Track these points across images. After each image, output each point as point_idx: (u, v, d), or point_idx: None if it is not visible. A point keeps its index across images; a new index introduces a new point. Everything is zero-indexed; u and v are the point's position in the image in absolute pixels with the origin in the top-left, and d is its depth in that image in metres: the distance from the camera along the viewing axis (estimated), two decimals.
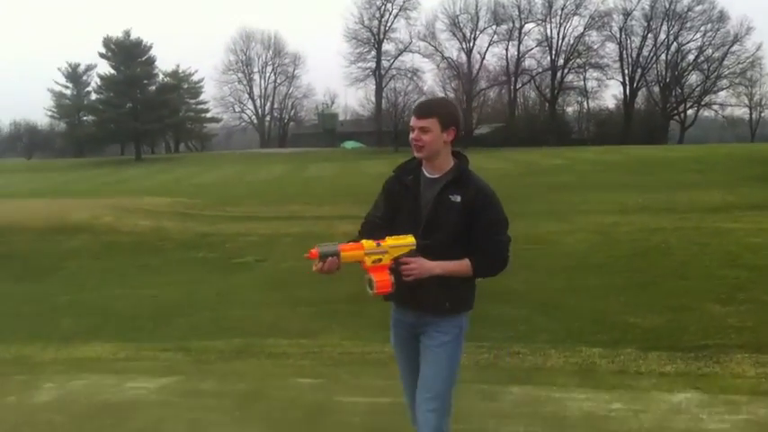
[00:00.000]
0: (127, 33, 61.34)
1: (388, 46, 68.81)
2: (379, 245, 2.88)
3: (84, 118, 70.84)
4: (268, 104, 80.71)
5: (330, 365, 5.62)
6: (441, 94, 52.90)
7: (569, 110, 70.31)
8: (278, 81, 79.88)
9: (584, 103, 68.76)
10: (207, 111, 78.25)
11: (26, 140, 78.59)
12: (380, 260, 2.87)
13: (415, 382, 3.10)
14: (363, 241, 2.90)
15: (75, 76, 74.13)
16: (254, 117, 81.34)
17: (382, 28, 67.97)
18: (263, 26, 71.22)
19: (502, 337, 6.14)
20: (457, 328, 3.06)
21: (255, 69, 79.68)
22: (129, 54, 60.91)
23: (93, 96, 67.93)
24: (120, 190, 30.65)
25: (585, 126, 68.54)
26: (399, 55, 68.69)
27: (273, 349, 6.25)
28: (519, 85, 68.38)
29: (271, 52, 79.08)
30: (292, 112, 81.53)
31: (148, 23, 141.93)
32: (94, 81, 68.29)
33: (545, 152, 42.82)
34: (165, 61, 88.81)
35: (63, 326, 8.00)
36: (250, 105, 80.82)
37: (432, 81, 71.74)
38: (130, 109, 61.16)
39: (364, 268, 2.88)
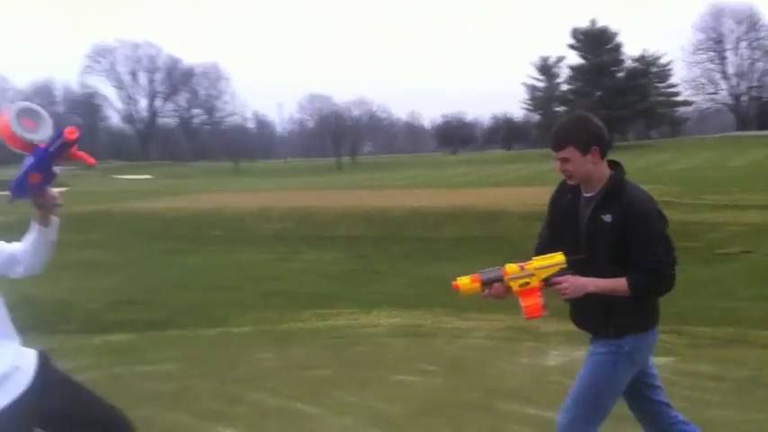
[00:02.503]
0: (593, 22, 62.84)
1: None
2: (522, 268, 2.81)
3: (556, 108, 74.26)
4: (744, 83, 74.14)
5: None
6: None
7: None
8: (754, 57, 72.84)
9: None
10: (677, 94, 75.24)
11: (504, 132, 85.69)
12: (528, 283, 2.79)
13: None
14: (507, 266, 2.83)
15: (546, 68, 77.99)
16: (728, 98, 75.60)
17: None
18: (733, 0, 65.82)
19: None
20: (614, 346, 2.89)
21: (728, 46, 73.97)
22: (596, 42, 62.25)
23: (564, 87, 71.04)
24: None
25: None
26: None
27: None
28: None
29: (744, 27, 72.36)
30: None
31: (613, 10, 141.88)
32: (565, 72, 71.41)
33: None
34: (631, 46, 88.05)
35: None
36: (723, 85, 75.37)
37: None
38: (600, 97, 62.39)
39: (513, 293, 2.82)
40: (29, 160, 2.50)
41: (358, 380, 5.41)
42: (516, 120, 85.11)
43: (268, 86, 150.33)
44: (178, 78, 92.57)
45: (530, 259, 2.85)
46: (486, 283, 2.83)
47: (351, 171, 56.80)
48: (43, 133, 2.49)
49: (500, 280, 2.82)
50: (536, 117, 77.96)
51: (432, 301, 8.77)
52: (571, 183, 2.96)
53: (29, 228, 2.72)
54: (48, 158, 2.48)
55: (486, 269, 2.85)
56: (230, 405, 5.03)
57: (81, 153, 2.58)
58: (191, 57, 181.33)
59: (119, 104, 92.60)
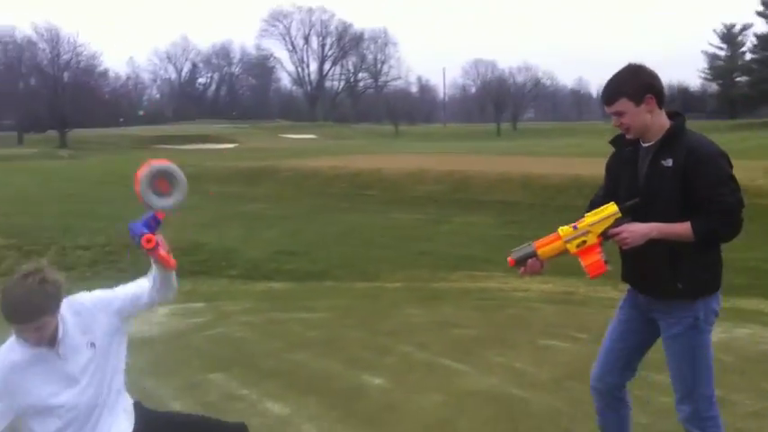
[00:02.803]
0: None
1: None
2: (575, 227, 2.66)
3: (738, 79, 69.07)
4: None
5: None
6: None
7: None
8: None
9: None
10: None
11: (680, 102, 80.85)
12: (585, 242, 2.65)
13: (608, 351, 2.97)
14: (559, 229, 2.69)
15: (729, 36, 72.54)
16: None
17: None
18: None
19: None
20: (690, 317, 2.68)
21: None
22: None
23: (748, 56, 65.69)
24: None
25: None
26: None
27: None
28: None
29: None
30: None
31: None
32: (750, 41, 65.97)
33: None
34: None
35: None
36: None
37: None
38: None
39: (572, 255, 2.67)
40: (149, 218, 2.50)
41: (505, 341, 5.37)
42: (692, 89, 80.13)
43: (433, 52, 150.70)
44: (348, 43, 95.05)
45: (581, 217, 2.72)
46: (519, 262, 2.77)
47: (511, 137, 55.91)
48: (174, 198, 2.51)
49: (532, 255, 2.74)
50: (714, 87, 73.12)
51: None
52: (629, 137, 2.81)
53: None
54: (154, 228, 2.48)
55: (517, 247, 2.79)
56: (378, 355, 5.17)
57: (164, 255, 2.53)
58: (361, 21, 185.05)
59: (290, 67, 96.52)
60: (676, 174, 2.64)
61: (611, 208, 2.66)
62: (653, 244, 2.62)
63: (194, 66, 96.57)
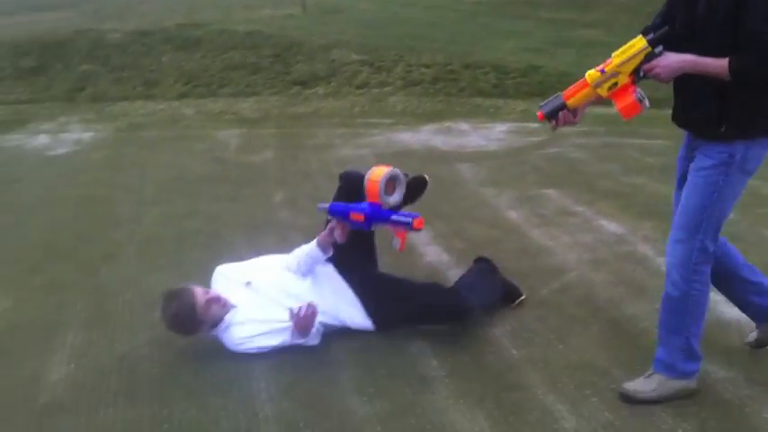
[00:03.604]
0: None
1: None
2: (603, 71, 2.48)
3: None
4: None
5: None
6: None
7: None
8: None
9: None
10: None
11: None
12: (616, 84, 2.48)
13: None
14: (587, 74, 2.52)
15: None
16: None
17: None
18: None
19: None
20: (725, 154, 2.46)
21: None
22: None
23: None
24: None
25: None
26: None
27: None
28: None
29: None
30: None
31: None
32: None
33: None
34: None
35: None
36: None
37: None
38: None
39: (606, 98, 2.51)
40: (366, 204, 3.00)
41: None
42: None
43: None
44: None
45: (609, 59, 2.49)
46: (550, 116, 2.63)
47: None
48: (395, 198, 3.04)
49: (563, 107, 2.60)
50: None
51: None
52: None
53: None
54: (382, 219, 2.98)
55: (546, 100, 2.64)
56: None
57: (402, 236, 2.96)
58: None
59: None
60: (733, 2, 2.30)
61: (640, 43, 2.44)
62: (702, 83, 2.40)
63: None
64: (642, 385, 2.69)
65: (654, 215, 4.54)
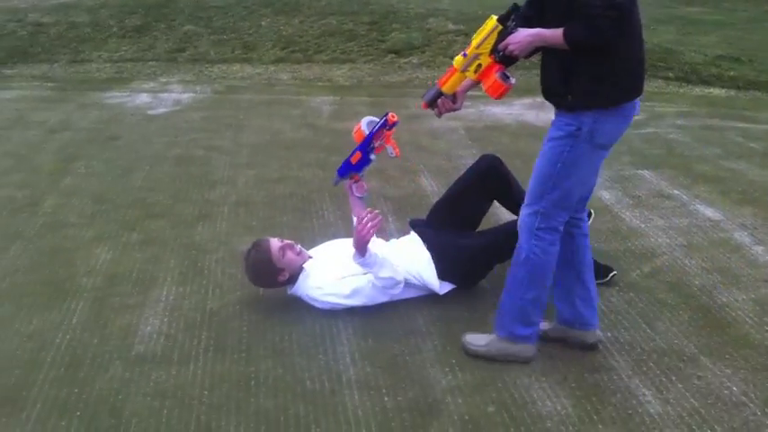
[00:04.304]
0: None
1: None
2: (465, 54, 2.57)
3: None
4: None
5: None
6: None
7: None
8: None
9: None
10: None
11: None
12: (480, 65, 2.54)
13: None
14: (454, 61, 2.62)
15: None
16: None
17: None
18: None
19: None
20: (572, 126, 2.45)
21: None
22: None
23: None
24: None
25: None
26: None
27: None
28: None
29: None
30: None
31: None
32: None
33: None
34: None
35: None
36: None
37: None
38: None
39: (476, 81, 2.62)
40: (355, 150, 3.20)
41: None
42: None
43: None
44: None
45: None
46: (430, 104, 2.78)
47: None
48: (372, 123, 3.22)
49: (440, 94, 2.73)
50: None
51: None
52: None
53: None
54: (370, 139, 3.13)
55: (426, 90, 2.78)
56: None
57: (392, 141, 3.13)
58: None
59: None
60: None
61: (491, 22, 2.51)
62: (551, 56, 2.48)
63: None
64: (477, 339, 2.82)
65: (753, 202, 4.37)
